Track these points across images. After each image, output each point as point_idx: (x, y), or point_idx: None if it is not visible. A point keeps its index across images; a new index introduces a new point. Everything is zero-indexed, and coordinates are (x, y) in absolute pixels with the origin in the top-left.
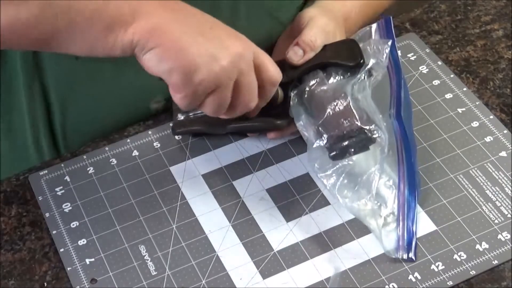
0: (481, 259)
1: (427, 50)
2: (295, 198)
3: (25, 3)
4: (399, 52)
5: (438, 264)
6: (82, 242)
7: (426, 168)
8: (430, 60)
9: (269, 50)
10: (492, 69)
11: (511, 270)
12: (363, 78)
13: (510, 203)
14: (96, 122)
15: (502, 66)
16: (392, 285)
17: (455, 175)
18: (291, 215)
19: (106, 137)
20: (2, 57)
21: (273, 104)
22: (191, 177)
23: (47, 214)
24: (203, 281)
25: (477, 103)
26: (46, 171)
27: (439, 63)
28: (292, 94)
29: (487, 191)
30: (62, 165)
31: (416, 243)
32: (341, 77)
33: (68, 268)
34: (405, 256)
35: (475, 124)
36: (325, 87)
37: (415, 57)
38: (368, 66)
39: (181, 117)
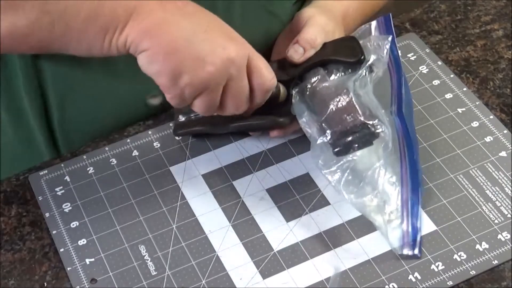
0: (481, 259)
1: (427, 50)
2: (295, 198)
3: (22, 10)
4: (399, 52)
5: (438, 264)
6: (82, 242)
7: (426, 168)
8: (430, 60)
9: (268, 49)
10: (492, 69)
11: (511, 270)
12: (364, 74)
13: (510, 203)
14: (96, 122)
15: (502, 66)
16: (392, 285)
17: (455, 175)
18: (291, 215)
19: (106, 137)
20: (2, 59)
21: (275, 102)
22: (191, 177)
23: (47, 214)
24: (203, 281)
25: (477, 103)
26: (46, 171)
27: (439, 63)
28: (293, 92)
29: (487, 191)
30: (62, 165)
31: (421, 240)
32: (342, 73)
33: (68, 268)
34: (410, 253)
35: (475, 124)
36: (327, 84)
37: (415, 57)
38: (369, 62)
39: (182, 118)
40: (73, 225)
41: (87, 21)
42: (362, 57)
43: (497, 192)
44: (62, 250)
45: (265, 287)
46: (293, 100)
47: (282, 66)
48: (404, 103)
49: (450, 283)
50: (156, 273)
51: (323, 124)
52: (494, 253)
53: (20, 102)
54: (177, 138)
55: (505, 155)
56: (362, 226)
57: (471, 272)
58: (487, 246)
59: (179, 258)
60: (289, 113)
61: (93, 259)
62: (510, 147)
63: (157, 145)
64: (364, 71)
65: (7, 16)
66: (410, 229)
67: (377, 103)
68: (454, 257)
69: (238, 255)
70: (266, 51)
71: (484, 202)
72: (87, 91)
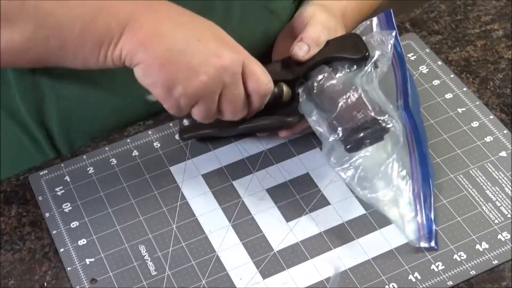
0: (481, 259)
1: (427, 50)
2: (295, 198)
3: (18, 25)
4: (402, 47)
5: (438, 264)
6: (82, 242)
7: None
8: (430, 60)
9: (268, 48)
10: (492, 69)
11: (511, 270)
12: (370, 70)
13: (510, 203)
14: (96, 122)
15: (502, 66)
16: (392, 285)
17: (455, 175)
18: (291, 215)
19: (106, 137)
20: None
21: (279, 103)
22: (191, 177)
23: (47, 214)
24: (203, 281)
25: (477, 103)
26: (46, 171)
27: (439, 63)
28: (299, 90)
29: (487, 191)
30: (62, 165)
31: (436, 231)
32: (347, 70)
33: (68, 268)
34: (427, 245)
35: (475, 124)
36: (334, 81)
37: (415, 57)
38: (374, 58)
39: (186, 122)
40: (73, 225)
41: (82, 35)
42: (367, 54)
43: (497, 192)
44: (62, 250)
45: (265, 287)
46: (300, 99)
47: (286, 65)
48: (410, 97)
49: (450, 283)
50: (156, 273)
51: (334, 122)
52: (494, 253)
53: (18, 104)
54: (176, 137)
55: (505, 155)
56: (362, 226)
57: (471, 272)
58: (487, 246)
59: (179, 258)
60: (297, 112)
61: (93, 259)
62: (510, 147)
63: (157, 145)
64: (370, 67)
65: (5, 31)
66: (425, 222)
67: (385, 98)
68: (454, 257)
69: (238, 255)
70: (266, 50)
71: (484, 202)
72: (86, 92)
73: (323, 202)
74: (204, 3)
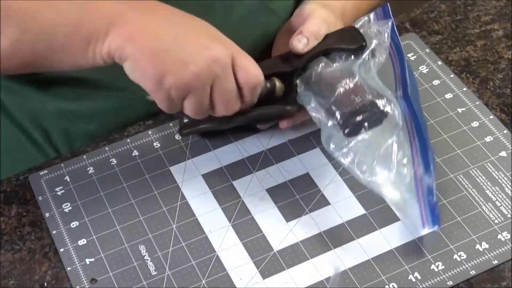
0: (481, 259)
1: (427, 50)
2: (295, 198)
3: (3, 30)
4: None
5: (438, 264)
6: (82, 242)
7: None
8: (430, 60)
9: (267, 46)
10: (492, 69)
11: (511, 270)
12: (367, 58)
13: (510, 203)
14: (96, 122)
15: (502, 66)
16: (392, 285)
17: (455, 175)
18: (291, 215)
19: (106, 137)
20: None
21: (272, 97)
22: (191, 177)
23: (47, 214)
24: (203, 281)
25: (477, 103)
26: (46, 171)
27: (439, 63)
28: (298, 81)
29: (487, 191)
30: (62, 165)
31: (438, 215)
32: (345, 61)
33: (68, 268)
34: (429, 230)
35: (475, 124)
36: (332, 69)
37: (415, 57)
38: (372, 47)
39: (186, 119)
40: (73, 225)
41: (68, 36)
42: (364, 43)
43: (497, 192)
44: (62, 250)
45: (265, 287)
46: (298, 90)
47: (285, 59)
48: (409, 86)
49: (450, 283)
50: (156, 273)
51: (332, 107)
52: (494, 253)
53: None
54: (176, 137)
55: (505, 155)
56: (362, 226)
57: (471, 272)
58: (487, 246)
59: (179, 258)
60: (296, 102)
61: (93, 259)
62: (510, 147)
63: (157, 145)
64: (367, 56)
65: None
66: (427, 207)
67: (383, 85)
68: (454, 257)
69: (238, 255)
70: (266, 50)
71: (484, 202)
72: (86, 92)
73: (323, 202)
74: (204, 3)
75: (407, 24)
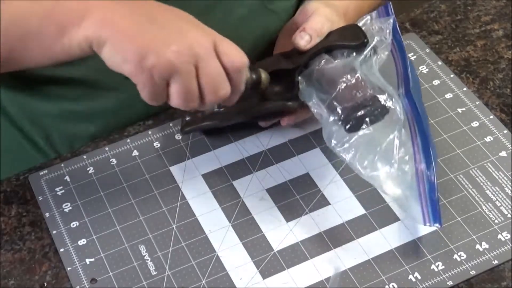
0: (481, 259)
1: (427, 50)
2: (295, 198)
3: None
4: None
5: (438, 264)
6: (82, 242)
7: None
8: (430, 60)
9: (268, 46)
10: (492, 69)
11: (511, 270)
12: (369, 55)
13: (510, 203)
14: (96, 122)
15: (502, 66)
16: (392, 285)
17: (455, 175)
18: (291, 215)
19: (106, 137)
20: None
21: (258, 89)
22: (191, 177)
23: (47, 214)
24: (203, 281)
25: (477, 103)
26: (46, 171)
27: (439, 63)
28: (299, 78)
29: (487, 191)
30: (62, 165)
31: (439, 212)
32: (347, 57)
33: (68, 268)
34: (430, 226)
35: (475, 124)
36: (333, 65)
37: (415, 57)
38: (373, 43)
39: (188, 117)
40: (73, 225)
41: (41, 23)
42: (366, 40)
43: (497, 192)
44: (62, 250)
45: (265, 287)
46: (300, 86)
47: (287, 57)
48: (411, 83)
49: (450, 283)
50: (156, 273)
51: (334, 102)
52: (494, 253)
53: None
54: (176, 137)
55: (505, 155)
56: (362, 226)
57: (471, 272)
58: (487, 246)
59: (179, 258)
60: (297, 99)
61: (93, 259)
62: (510, 147)
63: (157, 145)
64: (369, 52)
65: None
66: (429, 203)
67: (384, 81)
68: (454, 257)
69: (238, 255)
70: (266, 50)
71: (484, 202)
72: (86, 92)
73: (323, 202)
74: (204, 3)
75: (407, 24)
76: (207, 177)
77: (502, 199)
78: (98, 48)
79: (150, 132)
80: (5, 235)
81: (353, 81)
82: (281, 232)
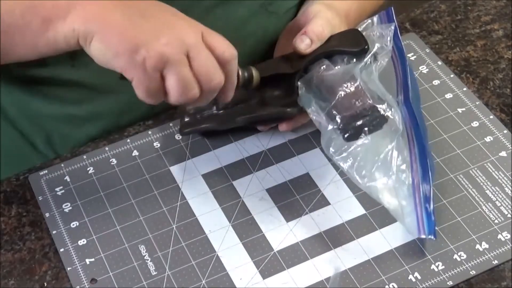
0: (481, 259)
1: (427, 50)
2: (295, 198)
3: None
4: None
5: (438, 264)
6: (82, 242)
7: None
8: (430, 60)
9: (268, 48)
10: (492, 69)
11: (511, 270)
12: (369, 62)
13: (510, 203)
14: (96, 122)
15: (502, 66)
16: (392, 285)
17: (455, 175)
18: (291, 215)
19: (106, 137)
20: None
21: (249, 87)
22: (191, 177)
23: (47, 214)
24: (203, 281)
25: (477, 103)
26: (46, 171)
27: (439, 63)
28: (299, 83)
29: (487, 191)
30: (62, 165)
31: (434, 223)
32: (347, 63)
33: (68, 268)
34: (425, 237)
35: (475, 124)
36: (333, 71)
37: (415, 57)
38: (374, 50)
39: (187, 118)
40: (73, 225)
41: (25, 15)
42: (366, 47)
43: (497, 192)
44: (62, 250)
45: (265, 287)
46: (299, 91)
47: (287, 60)
48: (410, 92)
49: (450, 283)
50: (156, 273)
51: (333, 110)
52: (494, 253)
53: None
54: (176, 137)
55: (505, 155)
56: (362, 226)
57: (471, 272)
58: (487, 246)
59: (179, 258)
60: (296, 104)
61: (93, 259)
62: (510, 147)
63: (157, 145)
64: (369, 59)
65: None
66: (424, 214)
67: (384, 90)
68: (454, 257)
69: (238, 255)
70: (266, 52)
71: (484, 202)
72: (86, 92)
73: (323, 202)
74: (205, 5)
75: (407, 24)
76: (207, 177)
77: (502, 199)
78: (85, 42)
79: (150, 132)
80: (5, 235)
81: (353, 89)
82: (281, 232)
